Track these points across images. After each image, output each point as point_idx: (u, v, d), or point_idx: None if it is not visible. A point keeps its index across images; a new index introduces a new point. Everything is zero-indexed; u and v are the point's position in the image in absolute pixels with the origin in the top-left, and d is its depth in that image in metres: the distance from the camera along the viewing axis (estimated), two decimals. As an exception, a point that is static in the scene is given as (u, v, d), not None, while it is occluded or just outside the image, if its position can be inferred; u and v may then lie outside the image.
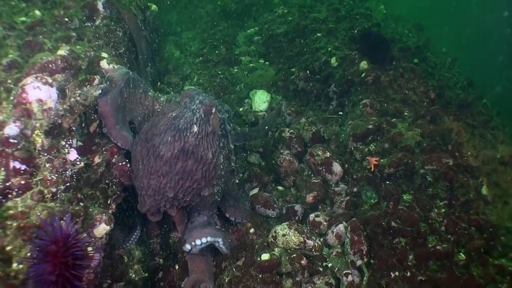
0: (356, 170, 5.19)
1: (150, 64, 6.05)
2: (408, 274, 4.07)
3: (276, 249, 4.49)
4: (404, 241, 4.29)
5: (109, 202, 3.50)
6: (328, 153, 5.34)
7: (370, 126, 5.21)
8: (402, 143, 4.98)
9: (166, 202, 3.69)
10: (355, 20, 7.31)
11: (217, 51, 7.77)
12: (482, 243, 4.14)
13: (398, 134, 5.06)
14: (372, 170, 4.90)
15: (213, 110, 3.85)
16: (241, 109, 6.54)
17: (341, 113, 6.21)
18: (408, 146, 4.91)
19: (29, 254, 2.39)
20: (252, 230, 4.59)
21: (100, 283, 3.52)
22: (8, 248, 2.54)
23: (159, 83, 6.38)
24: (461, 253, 4.12)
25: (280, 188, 5.38)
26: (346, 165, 5.33)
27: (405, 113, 5.53)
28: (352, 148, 5.29)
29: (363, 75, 5.95)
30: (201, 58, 7.64)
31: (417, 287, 3.94)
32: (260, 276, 4.19)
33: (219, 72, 7.11)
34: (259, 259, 4.35)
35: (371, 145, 5.14)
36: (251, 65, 7.71)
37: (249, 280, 4.14)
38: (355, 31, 6.84)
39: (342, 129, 5.72)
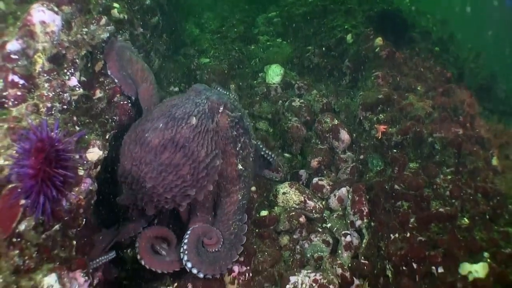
0: (364, 139, 5.11)
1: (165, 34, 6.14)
2: (408, 235, 3.96)
3: (275, 207, 4.45)
4: (406, 204, 4.19)
5: (107, 136, 3.52)
6: (336, 121, 5.28)
7: (381, 96, 5.12)
8: (412, 113, 4.88)
9: (143, 195, 3.32)
10: (375, 3, 7.24)
11: (235, 29, 7.82)
12: (487, 209, 4.00)
13: (409, 104, 4.97)
14: (380, 138, 4.82)
15: (221, 109, 3.51)
16: (255, 81, 6.54)
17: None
18: (418, 116, 4.80)
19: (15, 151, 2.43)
20: (253, 189, 4.54)
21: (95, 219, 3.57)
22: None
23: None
24: (465, 218, 3.99)
25: (286, 155, 5.33)
26: (354, 135, 5.26)
27: (418, 88, 5.40)
28: (361, 118, 5.20)
29: (377, 49, 5.87)
30: (219, 35, 7.70)
31: (416, 248, 3.82)
32: (257, 230, 4.16)
33: (236, 48, 7.15)
34: (257, 215, 4.32)
35: (381, 115, 5.05)
36: (268, 43, 7.70)
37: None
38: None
39: (353, 101, 5.65)
